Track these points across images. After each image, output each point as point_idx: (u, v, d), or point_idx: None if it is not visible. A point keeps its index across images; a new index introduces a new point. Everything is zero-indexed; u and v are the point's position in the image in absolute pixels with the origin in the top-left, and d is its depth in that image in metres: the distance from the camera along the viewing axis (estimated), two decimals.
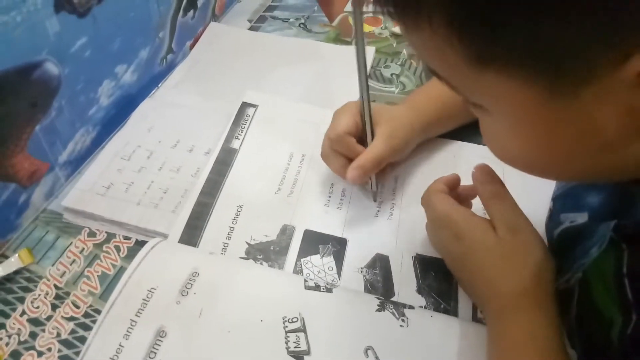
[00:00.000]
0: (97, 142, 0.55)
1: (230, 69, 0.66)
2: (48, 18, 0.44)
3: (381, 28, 0.74)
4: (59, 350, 0.40)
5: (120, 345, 0.37)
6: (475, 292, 0.41)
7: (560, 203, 0.42)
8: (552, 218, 0.42)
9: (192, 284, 0.40)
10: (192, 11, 0.67)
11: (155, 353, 0.37)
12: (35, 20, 0.43)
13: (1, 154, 0.43)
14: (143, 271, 0.41)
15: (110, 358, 0.37)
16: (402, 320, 0.41)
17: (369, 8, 0.28)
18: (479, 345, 0.38)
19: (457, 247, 0.40)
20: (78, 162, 0.53)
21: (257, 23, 0.75)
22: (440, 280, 0.45)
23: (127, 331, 0.38)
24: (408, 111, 0.51)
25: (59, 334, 0.41)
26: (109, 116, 0.56)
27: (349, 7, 0.78)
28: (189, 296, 0.40)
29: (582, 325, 0.35)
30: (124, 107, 0.58)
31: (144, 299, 0.39)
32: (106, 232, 0.48)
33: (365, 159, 0.46)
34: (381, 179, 0.51)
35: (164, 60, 0.64)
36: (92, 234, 0.48)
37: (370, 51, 0.69)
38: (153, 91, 0.62)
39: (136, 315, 0.39)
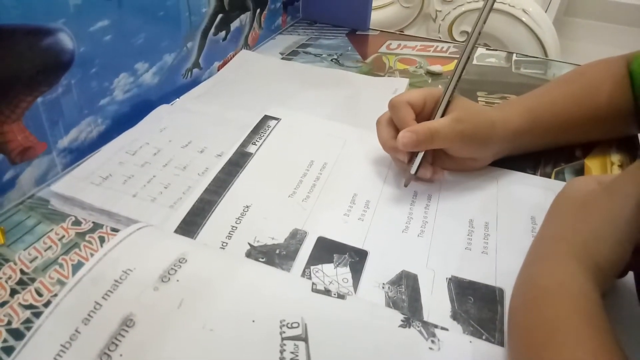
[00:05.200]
0: (104, 138, 0.51)
1: (257, 89, 0.63)
2: None
3: (416, 67, 0.71)
4: (4, 341, 0.32)
5: (76, 330, 0.30)
6: None
7: None
8: None
9: (176, 270, 0.33)
10: (224, 32, 0.66)
11: (116, 345, 0.29)
12: None
13: None
14: (122, 250, 0.34)
15: (61, 345, 0.29)
16: (432, 342, 0.32)
17: None
18: None
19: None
20: (79, 154, 0.49)
21: (289, 56, 0.73)
22: (481, 308, 0.36)
23: (89, 315, 0.30)
24: (493, 110, 0.46)
25: (9, 322, 0.34)
26: (121, 113, 0.52)
27: (383, 49, 0.76)
28: (170, 283, 0.32)
29: None
30: (140, 109, 0.54)
31: (116, 280, 0.32)
32: (93, 222, 0.42)
33: (420, 126, 0.42)
34: (423, 174, 0.45)
35: (189, 73, 0.62)
36: (77, 222, 0.42)
37: (404, 82, 0.65)
38: (173, 101, 0.59)
39: (103, 298, 0.31)
